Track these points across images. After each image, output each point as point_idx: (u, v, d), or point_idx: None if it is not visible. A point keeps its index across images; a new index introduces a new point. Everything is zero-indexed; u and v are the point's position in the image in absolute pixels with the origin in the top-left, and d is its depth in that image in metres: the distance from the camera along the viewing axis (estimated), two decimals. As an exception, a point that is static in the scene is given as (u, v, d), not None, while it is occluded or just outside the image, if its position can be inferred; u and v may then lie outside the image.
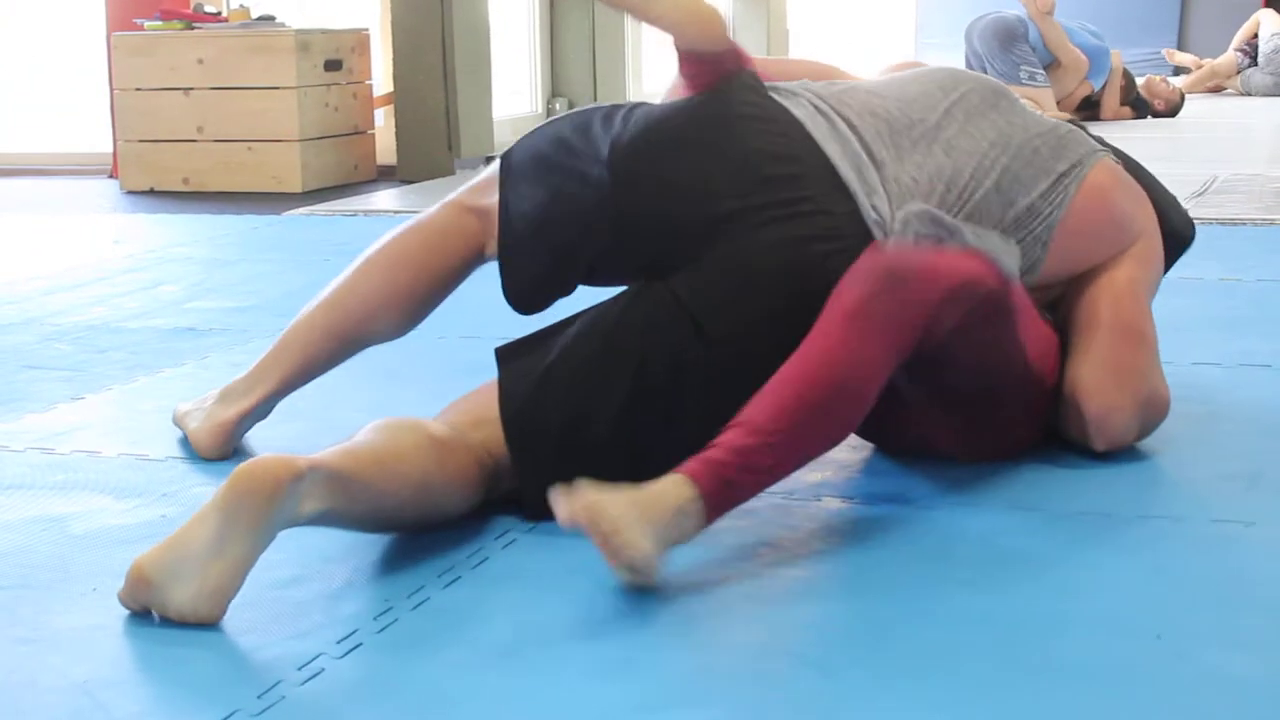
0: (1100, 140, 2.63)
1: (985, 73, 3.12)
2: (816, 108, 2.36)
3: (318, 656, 1.73)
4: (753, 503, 2.13)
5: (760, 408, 2.02)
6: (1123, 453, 2.44)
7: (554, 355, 2.23)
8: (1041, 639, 1.76)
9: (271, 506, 1.84)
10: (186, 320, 3.70)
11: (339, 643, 1.77)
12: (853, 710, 1.60)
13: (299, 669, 1.70)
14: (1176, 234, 2.72)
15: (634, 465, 2.05)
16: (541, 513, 2.07)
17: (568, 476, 1.95)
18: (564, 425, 2.18)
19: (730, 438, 1.99)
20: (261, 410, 2.56)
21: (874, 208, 2.26)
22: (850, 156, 2.30)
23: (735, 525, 2.15)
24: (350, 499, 1.96)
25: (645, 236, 2.27)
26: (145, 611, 1.85)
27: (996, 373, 2.30)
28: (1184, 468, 2.40)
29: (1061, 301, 2.52)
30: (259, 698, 1.63)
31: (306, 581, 1.96)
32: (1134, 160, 2.70)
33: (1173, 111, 8.96)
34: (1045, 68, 8.56)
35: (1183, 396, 2.77)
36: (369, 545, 2.09)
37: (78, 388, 3.01)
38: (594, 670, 1.70)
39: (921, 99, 2.44)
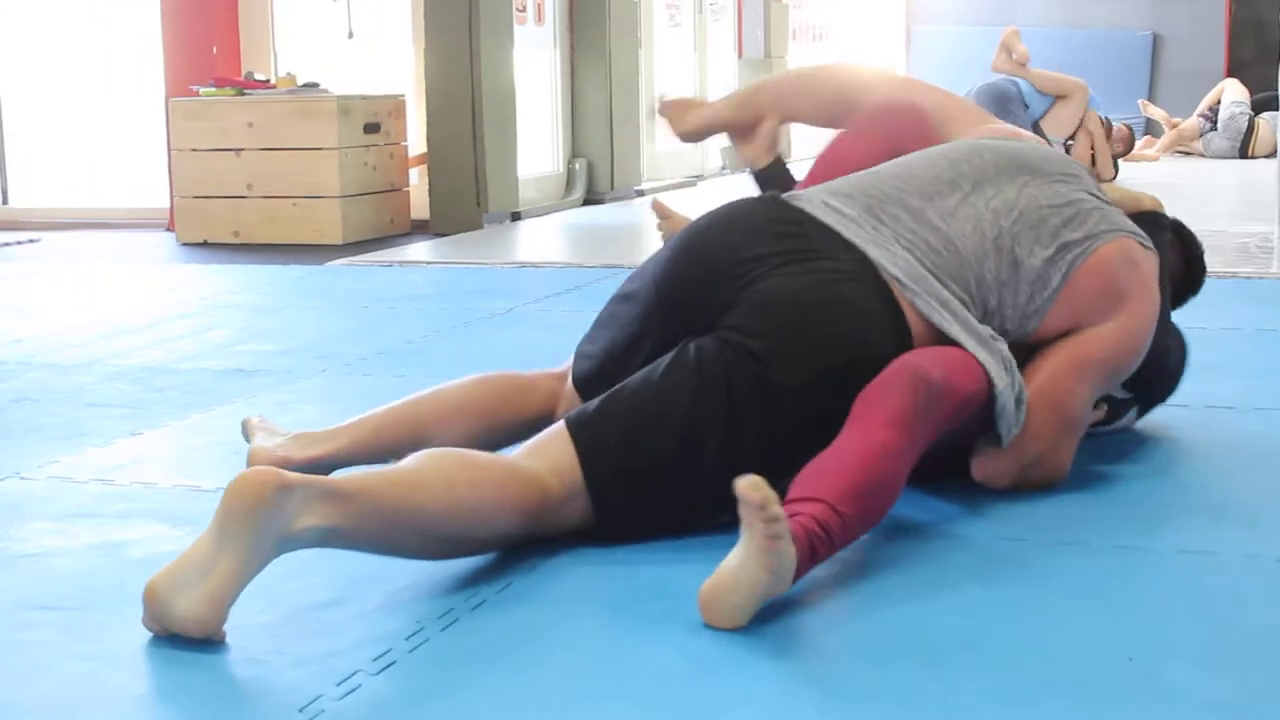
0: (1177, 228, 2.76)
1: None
2: (825, 203, 2.40)
3: (355, 673, 1.73)
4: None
5: (833, 487, 2.01)
6: (1100, 489, 2.44)
7: (616, 389, 2.24)
8: (1022, 661, 1.75)
9: (258, 515, 1.80)
10: (236, 362, 3.71)
11: (374, 660, 1.77)
12: (848, 725, 1.59)
13: (337, 684, 1.70)
14: (1172, 374, 2.78)
15: (691, 479, 2.13)
16: (607, 513, 2.13)
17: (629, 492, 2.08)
18: (625, 433, 2.16)
19: (817, 512, 1.97)
20: (324, 465, 2.39)
21: (875, 257, 2.29)
22: (850, 224, 2.35)
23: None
24: (358, 517, 1.90)
25: (684, 295, 2.32)
26: (164, 633, 1.82)
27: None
28: (1154, 502, 2.39)
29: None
30: (300, 711, 1.63)
31: (343, 604, 1.96)
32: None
33: (1129, 148, 8.93)
34: (1048, 111, 8.33)
35: (1154, 436, 2.77)
36: (400, 571, 2.08)
37: (136, 424, 3.01)
38: (615, 687, 1.69)
39: (928, 175, 2.46)
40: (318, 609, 1.94)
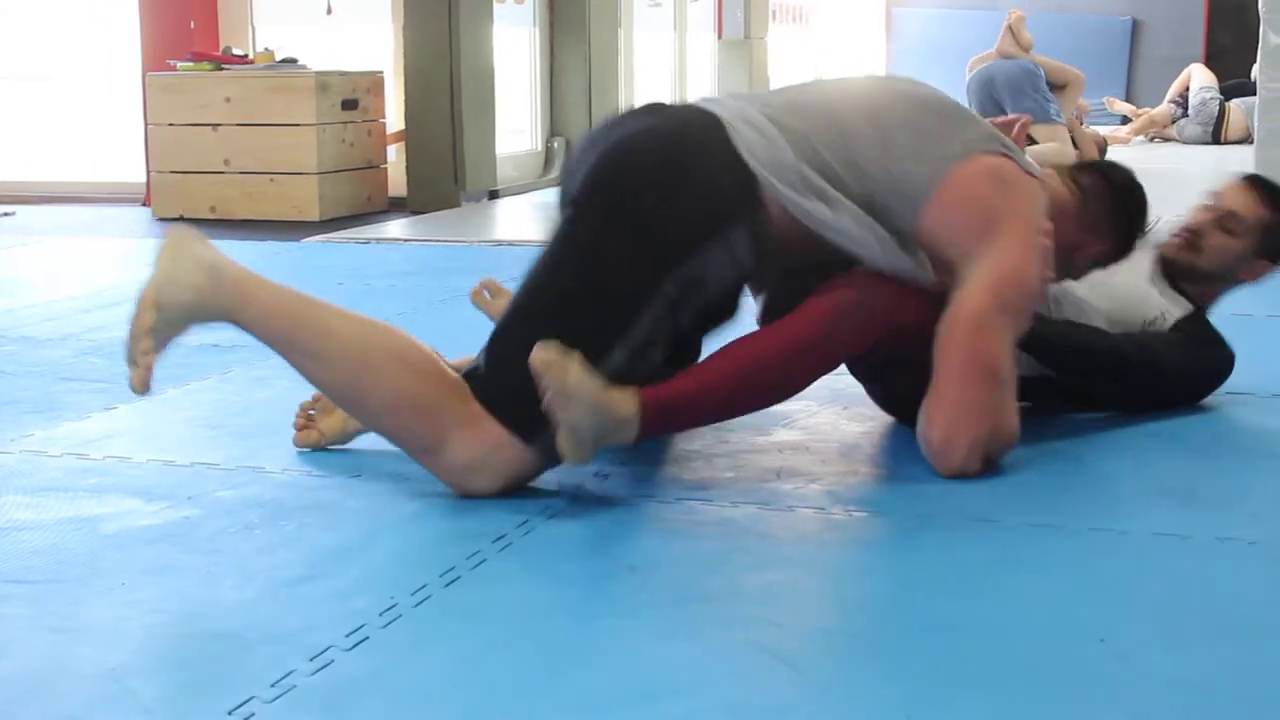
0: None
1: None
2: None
3: (327, 649, 1.72)
4: (730, 512, 2.14)
5: (714, 370, 2.33)
6: (1073, 471, 2.44)
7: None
8: (996, 641, 1.75)
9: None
10: (211, 338, 3.67)
11: (347, 636, 1.76)
12: (819, 705, 1.59)
13: (310, 659, 1.69)
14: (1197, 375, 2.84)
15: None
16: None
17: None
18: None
19: (683, 386, 2.28)
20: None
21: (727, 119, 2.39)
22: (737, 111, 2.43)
23: (714, 533, 2.15)
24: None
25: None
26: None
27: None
28: (1127, 485, 2.40)
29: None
30: (272, 686, 1.62)
31: (316, 579, 1.96)
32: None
33: (1103, 154, 8.95)
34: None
35: (1129, 418, 2.77)
36: (376, 546, 2.08)
37: (110, 398, 3.00)
38: (584, 663, 1.69)
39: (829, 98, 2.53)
40: (291, 584, 1.94)
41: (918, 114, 2.48)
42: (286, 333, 2.28)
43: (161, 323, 2.29)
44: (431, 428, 2.25)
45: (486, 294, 2.95)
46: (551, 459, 2.25)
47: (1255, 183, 2.93)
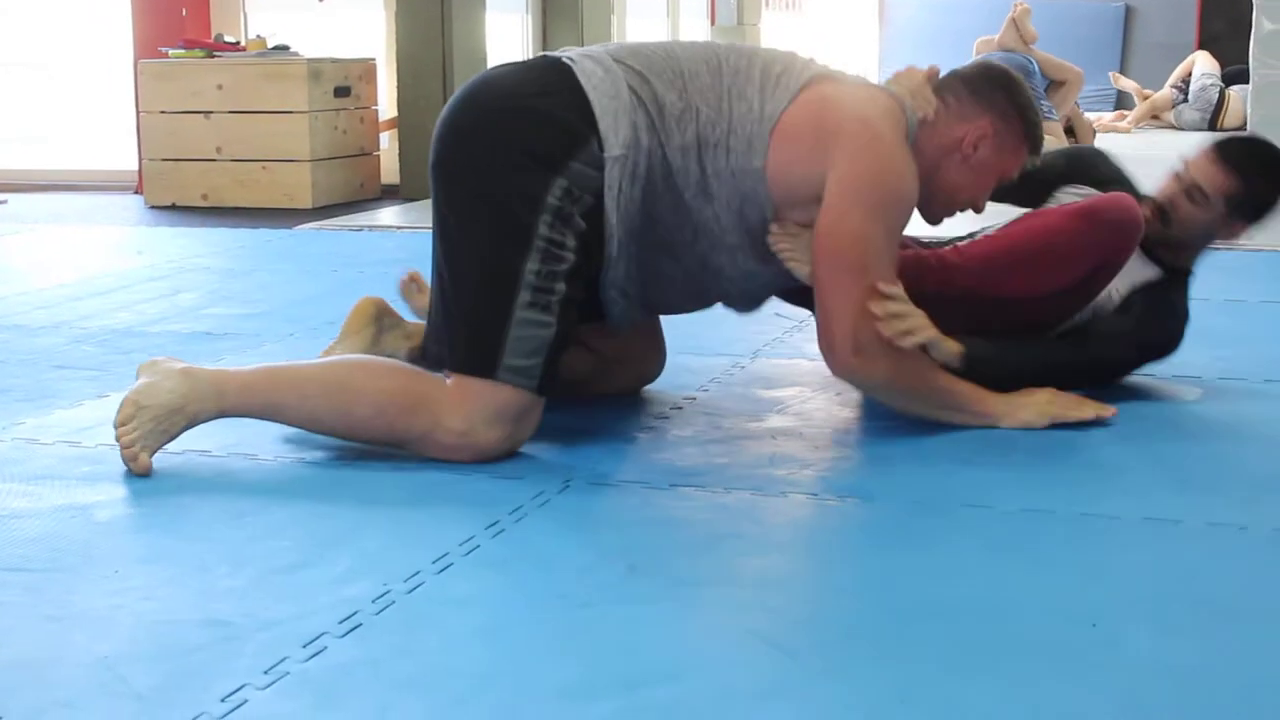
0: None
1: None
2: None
3: (321, 635, 1.73)
4: (723, 498, 2.14)
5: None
6: (1065, 456, 2.45)
7: None
8: (989, 626, 1.76)
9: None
10: (203, 325, 3.69)
11: (340, 623, 1.77)
12: (812, 688, 1.60)
13: (303, 647, 1.70)
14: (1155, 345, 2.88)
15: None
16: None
17: None
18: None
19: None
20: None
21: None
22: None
23: (707, 518, 2.15)
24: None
25: None
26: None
27: None
28: (1120, 470, 2.41)
29: None
30: (265, 673, 1.63)
31: (310, 566, 1.96)
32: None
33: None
34: (1044, 92, 8.31)
35: (1120, 402, 2.78)
36: (369, 533, 2.09)
37: (103, 386, 3.00)
38: (577, 648, 1.70)
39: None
40: (285, 572, 1.94)
41: (748, 62, 2.55)
42: (268, 395, 2.43)
43: (145, 419, 2.37)
44: (419, 413, 2.41)
45: (414, 287, 3.03)
46: (546, 389, 2.42)
47: (1222, 153, 2.90)
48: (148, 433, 2.37)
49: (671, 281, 2.58)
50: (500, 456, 2.41)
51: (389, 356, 2.65)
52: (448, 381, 2.43)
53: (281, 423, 2.48)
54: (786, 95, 2.50)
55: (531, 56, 2.68)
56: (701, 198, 2.49)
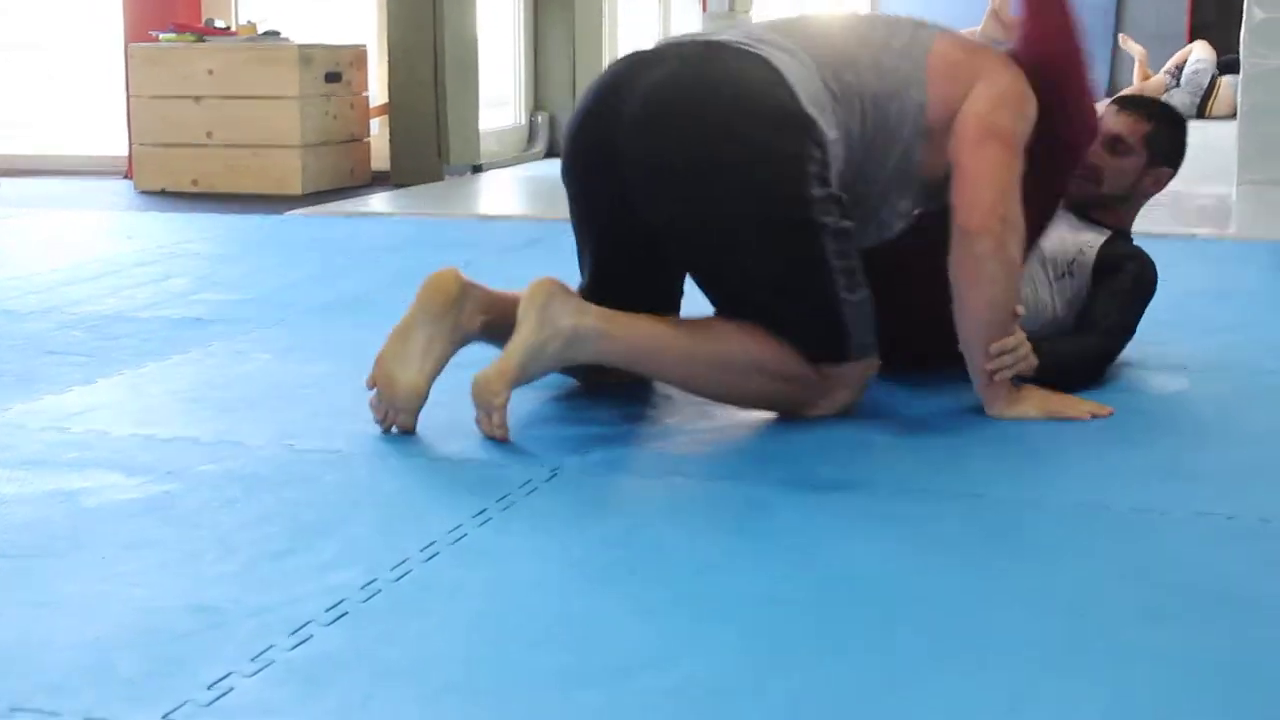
0: None
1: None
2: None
3: (307, 624, 1.73)
4: (710, 487, 2.13)
5: None
6: (1055, 447, 2.46)
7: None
8: (977, 615, 1.76)
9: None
10: (193, 311, 3.69)
11: (327, 610, 1.76)
12: (799, 679, 1.60)
13: (290, 634, 1.69)
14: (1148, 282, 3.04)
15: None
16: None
17: None
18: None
19: None
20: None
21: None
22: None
23: (695, 509, 2.15)
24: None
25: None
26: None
27: None
28: (1110, 460, 2.41)
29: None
30: (252, 660, 1.62)
31: (298, 553, 1.96)
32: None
33: None
34: None
35: (1107, 392, 2.78)
36: (356, 520, 2.09)
37: (91, 372, 2.99)
38: (564, 637, 1.69)
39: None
40: (273, 558, 1.94)
41: (889, 31, 2.74)
42: (650, 363, 2.56)
43: (517, 385, 2.48)
44: (795, 398, 2.59)
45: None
46: (874, 351, 2.62)
47: (1125, 104, 3.10)
48: (511, 391, 2.47)
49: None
50: None
51: (466, 336, 2.60)
52: (811, 366, 2.56)
53: (652, 378, 2.68)
54: (923, 50, 2.69)
55: (696, 40, 2.70)
56: (876, 165, 2.65)
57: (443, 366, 2.54)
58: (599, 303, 2.57)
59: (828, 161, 2.53)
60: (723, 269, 2.59)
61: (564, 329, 2.45)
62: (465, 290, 2.57)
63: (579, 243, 2.80)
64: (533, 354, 2.44)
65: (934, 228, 2.65)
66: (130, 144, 6.83)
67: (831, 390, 2.59)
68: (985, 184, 2.60)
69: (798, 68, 2.58)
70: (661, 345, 2.53)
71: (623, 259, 2.73)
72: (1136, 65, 11.34)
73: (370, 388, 2.53)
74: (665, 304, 2.76)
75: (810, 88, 2.56)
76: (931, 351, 2.83)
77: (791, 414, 2.60)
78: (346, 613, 1.76)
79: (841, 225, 2.53)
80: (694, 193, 2.52)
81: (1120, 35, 11.66)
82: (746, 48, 2.61)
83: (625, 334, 2.51)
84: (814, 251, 2.51)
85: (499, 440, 2.44)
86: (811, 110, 2.54)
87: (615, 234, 2.71)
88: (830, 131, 2.55)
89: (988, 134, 2.62)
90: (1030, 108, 2.69)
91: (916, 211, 2.75)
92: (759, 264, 2.53)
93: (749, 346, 2.54)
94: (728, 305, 2.62)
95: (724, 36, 2.67)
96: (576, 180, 2.74)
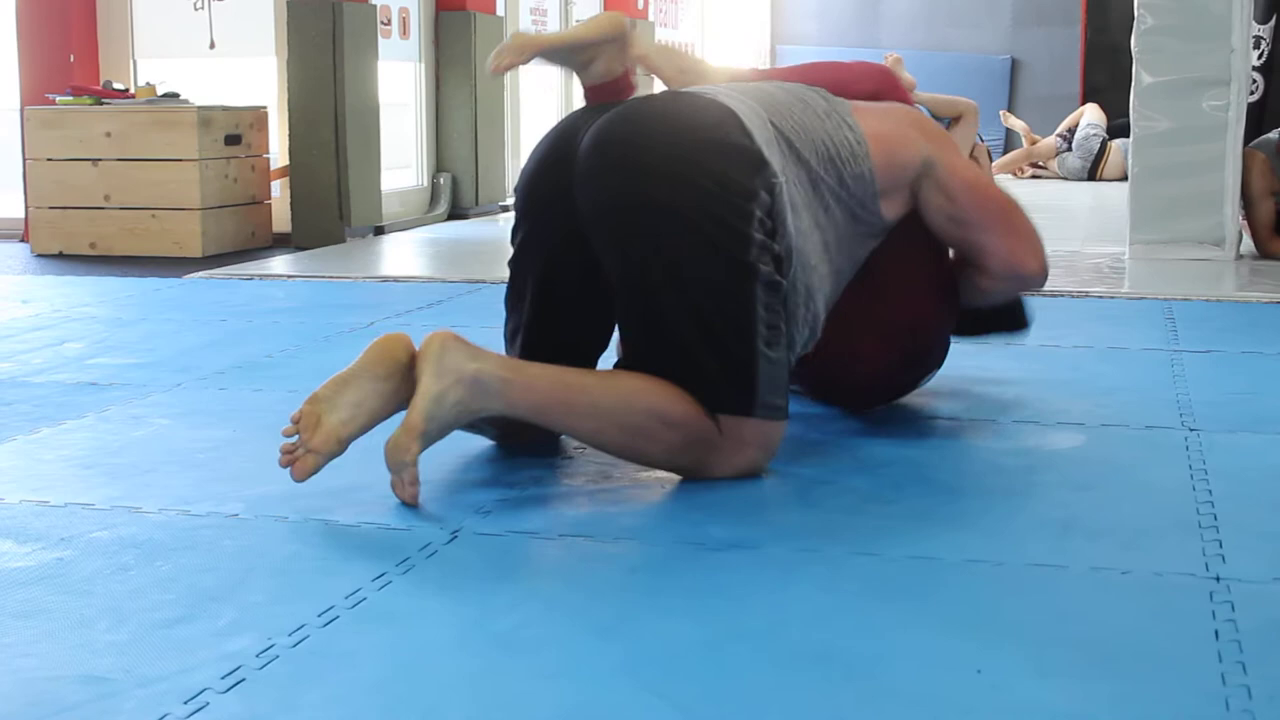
0: None
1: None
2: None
3: (202, 691, 1.70)
4: (611, 547, 2.13)
5: None
6: (951, 502, 2.47)
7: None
8: (871, 672, 1.76)
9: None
10: (89, 375, 3.64)
11: (223, 678, 1.74)
12: (700, 739, 1.59)
13: (184, 703, 1.67)
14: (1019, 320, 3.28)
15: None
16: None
17: None
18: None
19: None
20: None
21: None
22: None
23: (597, 569, 2.14)
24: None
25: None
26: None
27: None
28: (1004, 516, 2.43)
29: (927, 213, 2.90)
30: (145, 730, 1.60)
31: (192, 620, 1.93)
32: None
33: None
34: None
35: (1005, 449, 2.81)
36: (253, 587, 2.06)
37: (-17, 438, 2.94)
38: (463, 701, 1.68)
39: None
40: (166, 626, 1.91)
41: (801, 93, 2.84)
42: (561, 419, 2.53)
43: (432, 430, 2.44)
44: (704, 456, 2.56)
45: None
46: (782, 415, 2.60)
47: None
48: (419, 451, 2.43)
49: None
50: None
51: (402, 405, 2.51)
52: (713, 422, 2.55)
53: (556, 429, 2.64)
54: (847, 110, 2.81)
55: (656, 91, 2.81)
56: (825, 213, 2.70)
57: (370, 426, 2.49)
58: (529, 342, 2.71)
59: (776, 210, 2.53)
60: (654, 299, 2.53)
61: (465, 374, 2.43)
62: (413, 361, 2.49)
63: (515, 290, 2.80)
64: (435, 402, 2.41)
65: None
66: (26, 207, 6.76)
67: (733, 450, 2.56)
68: (1025, 240, 2.95)
69: (751, 113, 2.63)
70: (568, 394, 2.51)
71: (559, 302, 2.75)
72: (1023, 137, 11.52)
73: (293, 421, 2.45)
74: (590, 354, 2.80)
75: (764, 133, 2.60)
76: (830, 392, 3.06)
77: (694, 475, 2.58)
78: (243, 679, 1.74)
79: (775, 279, 2.52)
80: (644, 221, 2.52)
81: (1001, 112, 11.84)
82: (700, 92, 2.67)
83: (528, 380, 2.49)
84: (743, 293, 2.50)
85: (409, 503, 2.42)
86: (766, 151, 2.56)
87: (557, 275, 2.73)
88: (780, 176, 2.56)
89: (990, 204, 2.93)
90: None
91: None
92: (689, 295, 2.50)
93: (653, 398, 2.51)
94: (643, 344, 2.58)
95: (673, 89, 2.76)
96: (528, 217, 2.76)
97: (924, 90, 8.66)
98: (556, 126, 2.78)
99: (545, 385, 2.51)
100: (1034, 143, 11.34)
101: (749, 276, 2.50)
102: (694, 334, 2.51)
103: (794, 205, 2.59)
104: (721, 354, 2.52)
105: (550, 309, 2.75)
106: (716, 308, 2.51)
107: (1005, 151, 11.81)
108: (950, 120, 8.28)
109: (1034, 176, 11.25)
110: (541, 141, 2.77)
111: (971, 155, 8.36)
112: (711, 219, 2.49)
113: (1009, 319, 3.24)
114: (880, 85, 3.00)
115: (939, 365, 3.12)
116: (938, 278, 3.00)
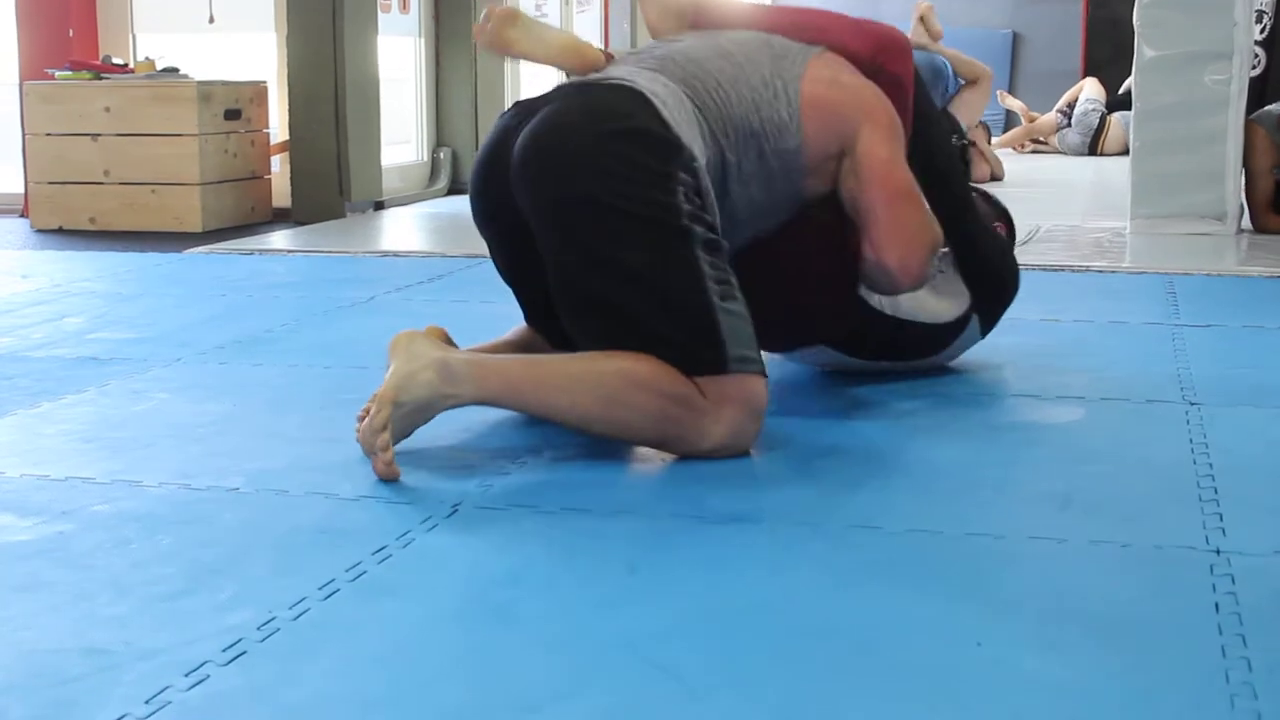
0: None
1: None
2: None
3: (203, 664, 1.70)
4: (608, 523, 2.13)
5: None
6: (951, 477, 2.47)
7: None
8: (874, 646, 1.76)
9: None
10: (89, 350, 3.63)
11: (224, 651, 1.74)
12: (698, 711, 1.59)
13: (185, 675, 1.67)
14: (1006, 284, 3.22)
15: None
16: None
17: None
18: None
19: None
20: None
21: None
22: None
23: (594, 544, 2.15)
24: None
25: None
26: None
27: None
28: (1005, 490, 2.43)
29: (840, 189, 2.83)
30: (146, 702, 1.60)
31: (194, 594, 1.93)
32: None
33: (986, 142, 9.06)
34: (956, 93, 8.07)
35: (1005, 423, 2.81)
36: (255, 560, 2.06)
37: (-17, 412, 2.94)
38: (464, 673, 1.68)
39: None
40: (167, 599, 1.91)
41: (754, 46, 2.85)
42: (536, 395, 2.53)
43: (398, 416, 2.46)
44: (687, 427, 2.52)
45: None
46: (758, 369, 2.58)
47: None
48: (398, 431, 2.48)
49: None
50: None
51: None
52: (696, 386, 2.53)
53: (539, 418, 2.61)
54: (797, 72, 2.79)
55: (569, 83, 2.83)
56: (744, 186, 2.73)
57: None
58: (525, 309, 2.87)
59: (699, 186, 2.59)
60: (601, 289, 2.55)
61: (433, 358, 2.49)
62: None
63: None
64: (407, 378, 2.46)
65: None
66: (26, 182, 6.75)
67: (717, 409, 2.52)
68: (917, 235, 2.81)
69: (669, 96, 2.65)
70: (538, 370, 2.54)
71: (537, 292, 2.78)
72: (1021, 117, 11.48)
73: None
74: None
75: (680, 114, 2.63)
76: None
77: (684, 449, 2.56)
78: (244, 652, 1.74)
79: (710, 237, 2.56)
80: (573, 216, 2.57)
81: (999, 93, 11.80)
82: (618, 82, 2.68)
83: (498, 364, 2.54)
84: (686, 253, 2.53)
85: (392, 480, 2.43)
86: (683, 135, 2.60)
87: (522, 273, 2.82)
88: (701, 158, 2.61)
89: (894, 191, 2.79)
90: (901, 132, 2.85)
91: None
92: (633, 274, 2.53)
93: (623, 361, 2.52)
94: (602, 337, 2.58)
95: (597, 76, 2.76)
96: (484, 228, 2.85)
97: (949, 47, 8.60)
98: (491, 133, 2.81)
99: (516, 366, 2.55)
100: (1032, 120, 11.31)
101: (686, 239, 2.53)
102: (648, 308, 2.53)
103: (718, 181, 2.68)
104: (679, 319, 2.52)
105: (523, 282, 2.86)
106: (663, 277, 2.53)
107: (1006, 129, 11.79)
108: (966, 82, 8.21)
109: (1034, 152, 11.23)
110: (481, 149, 2.82)
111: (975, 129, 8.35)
112: (634, 199, 2.53)
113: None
114: (880, 49, 2.93)
115: (923, 352, 3.16)
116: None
